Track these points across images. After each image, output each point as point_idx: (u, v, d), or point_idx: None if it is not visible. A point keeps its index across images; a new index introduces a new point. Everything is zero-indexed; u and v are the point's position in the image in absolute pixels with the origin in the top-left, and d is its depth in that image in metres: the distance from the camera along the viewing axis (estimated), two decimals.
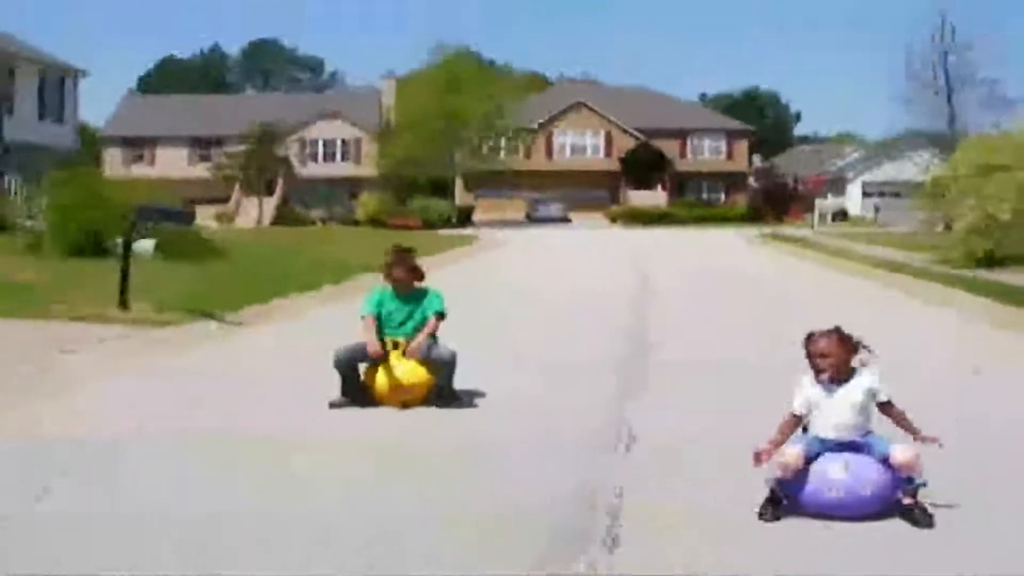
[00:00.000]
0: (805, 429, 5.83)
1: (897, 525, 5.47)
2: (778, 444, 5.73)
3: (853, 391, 5.74)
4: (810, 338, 5.84)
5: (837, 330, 5.82)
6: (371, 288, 9.56)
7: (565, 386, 9.71)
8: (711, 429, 7.74)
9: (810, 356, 5.80)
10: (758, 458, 5.72)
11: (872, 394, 5.75)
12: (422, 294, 8.94)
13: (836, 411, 5.71)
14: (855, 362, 5.80)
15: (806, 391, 5.80)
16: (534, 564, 4.86)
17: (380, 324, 8.76)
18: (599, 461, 6.83)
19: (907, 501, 5.53)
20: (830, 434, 5.70)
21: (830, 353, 5.73)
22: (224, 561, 4.90)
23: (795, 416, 5.81)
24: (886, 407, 5.81)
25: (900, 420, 5.82)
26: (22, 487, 6.03)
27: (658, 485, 6.25)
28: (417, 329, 8.73)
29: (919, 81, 60.20)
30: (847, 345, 5.76)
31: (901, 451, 5.57)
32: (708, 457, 6.84)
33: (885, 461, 5.58)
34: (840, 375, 5.75)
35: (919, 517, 5.46)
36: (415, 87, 70.30)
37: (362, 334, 8.69)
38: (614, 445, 7.31)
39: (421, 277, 9.02)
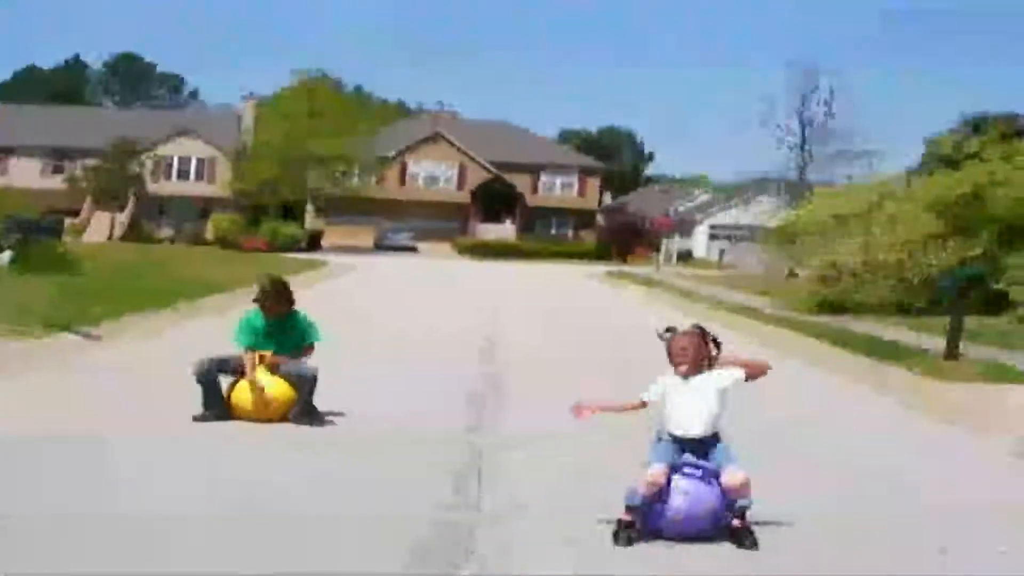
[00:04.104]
0: (659, 439, 6.28)
1: (726, 546, 5.94)
2: (606, 409, 6.50)
3: (706, 382, 6.27)
4: (673, 334, 6.41)
5: (699, 328, 6.47)
6: (241, 316, 9.64)
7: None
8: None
9: (671, 352, 6.34)
10: (580, 411, 6.37)
11: (723, 386, 6.26)
12: (292, 317, 9.45)
13: (689, 399, 6.22)
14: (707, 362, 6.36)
15: (663, 381, 6.33)
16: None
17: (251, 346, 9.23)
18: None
19: (735, 523, 6.02)
20: (683, 427, 6.18)
21: (689, 348, 6.30)
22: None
23: (641, 402, 6.39)
24: (741, 374, 6.34)
25: (748, 364, 6.45)
26: None
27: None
28: (285, 350, 9.18)
29: (774, 129, 63.14)
30: (704, 342, 6.35)
31: (731, 475, 6.05)
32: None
33: (717, 476, 6.05)
34: (695, 370, 6.30)
35: (745, 539, 5.95)
36: (273, 110, 70.40)
37: (247, 366, 9.02)
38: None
39: (291, 303, 9.46)
